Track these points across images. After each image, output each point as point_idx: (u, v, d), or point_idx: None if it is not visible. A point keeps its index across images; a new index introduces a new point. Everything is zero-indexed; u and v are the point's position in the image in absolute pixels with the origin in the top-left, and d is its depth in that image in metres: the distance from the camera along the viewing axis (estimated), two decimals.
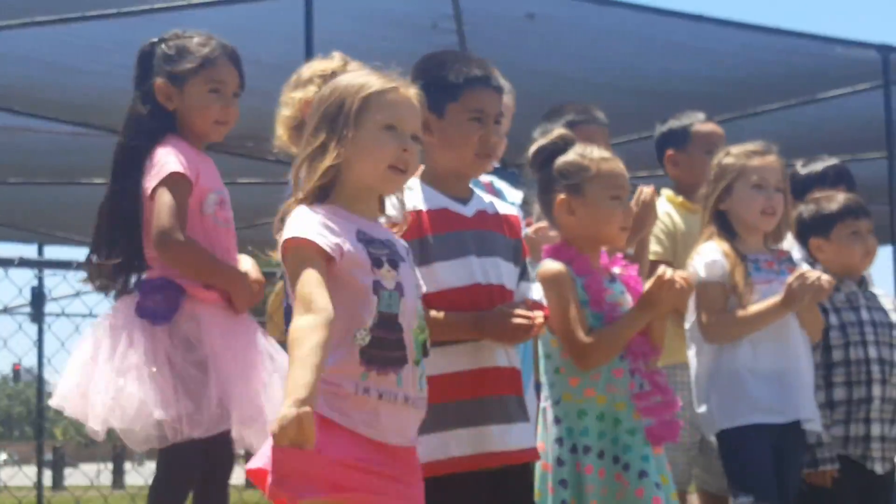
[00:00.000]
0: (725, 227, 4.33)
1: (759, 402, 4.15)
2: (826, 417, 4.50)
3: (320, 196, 2.94)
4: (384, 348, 2.87)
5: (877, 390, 4.60)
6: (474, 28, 7.43)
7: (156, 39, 3.90)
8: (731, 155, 4.38)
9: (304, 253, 2.83)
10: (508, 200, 4.26)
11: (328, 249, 2.82)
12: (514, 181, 4.48)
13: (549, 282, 3.60)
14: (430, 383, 2.98)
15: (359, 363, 2.84)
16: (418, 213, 3.25)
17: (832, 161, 5.36)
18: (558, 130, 3.84)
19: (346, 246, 2.86)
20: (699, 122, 5.10)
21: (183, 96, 3.82)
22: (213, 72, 3.83)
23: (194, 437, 3.60)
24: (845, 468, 4.56)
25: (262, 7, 7.03)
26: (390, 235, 3.01)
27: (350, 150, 2.92)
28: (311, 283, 2.79)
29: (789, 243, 4.66)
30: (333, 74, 3.76)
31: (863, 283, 4.78)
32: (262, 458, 2.74)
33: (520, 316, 3.22)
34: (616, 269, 3.74)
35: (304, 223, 2.86)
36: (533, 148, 3.80)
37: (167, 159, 3.71)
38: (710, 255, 4.24)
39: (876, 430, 4.58)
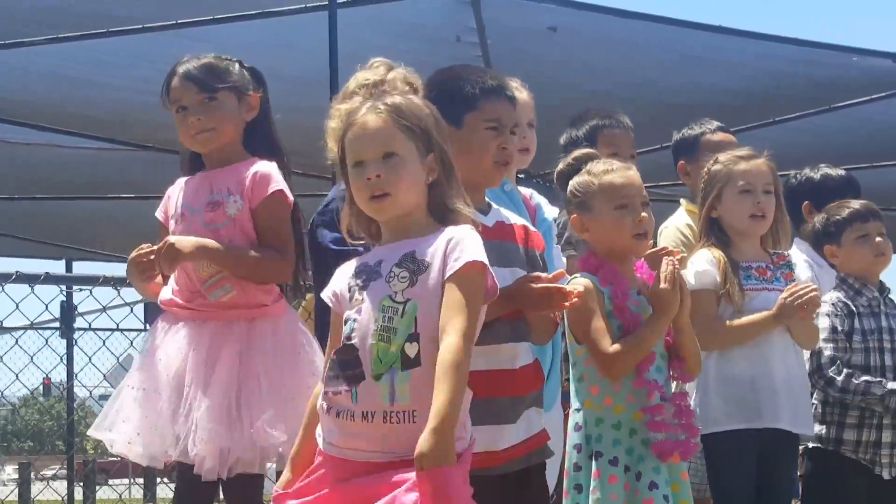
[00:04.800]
0: (719, 234, 4.38)
1: (731, 408, 4.19)
2: (839, 416, 4.59)
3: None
4: (340, 368, 2.98)
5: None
6: (497, 41, 7.48)
7: None
8: (719, 162, 4.42)
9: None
10: (546, 215, 4.32)
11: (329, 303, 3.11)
12: (552, 196, 4.53)
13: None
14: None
15: (324, 389, 3.02)
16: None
17: (834, 171, 5.43)
18: (577, 152, 3.90)
19: (340, 291, 3.08)
20: (710, 131, 5.14)
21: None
22: (171, 94, 4.00)
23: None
24: (855, 472, 4.62)
25: (286, 22, 7.10)
26: (394, 252, 3.05)
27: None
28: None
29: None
30: (378, 84, 3.83)
31: (884, 289, 4.84)
32: None
33: (541, 281, 3.25)
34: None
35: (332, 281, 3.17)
36: (555, 173, 3.90)
37: (273, 177, 3.95)
38: (700, 264, 4.28)
39: (887, 436, 4.64)
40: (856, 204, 4.88)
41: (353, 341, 2.97)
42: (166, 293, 3.90)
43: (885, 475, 4.64)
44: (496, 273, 3.29)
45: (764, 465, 4.23)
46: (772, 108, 8.81)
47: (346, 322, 3.01)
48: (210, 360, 3.77)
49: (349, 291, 3.04)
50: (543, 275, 3.30)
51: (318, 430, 3.06)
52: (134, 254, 3.91)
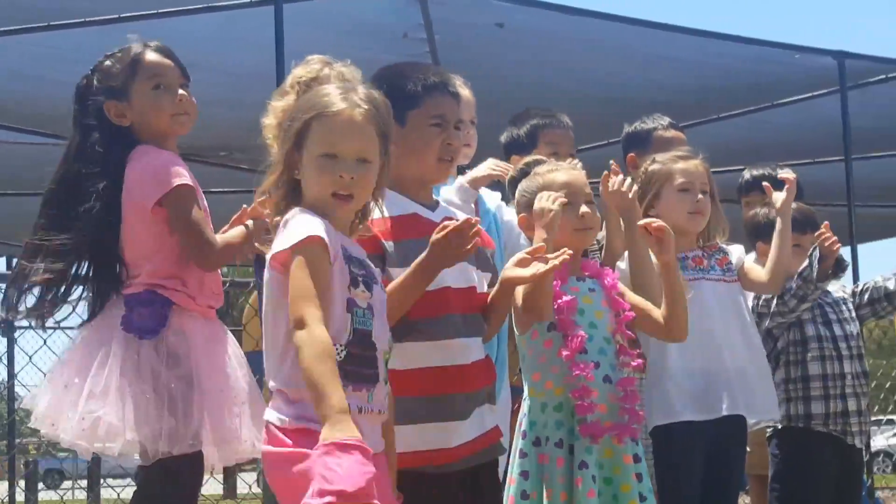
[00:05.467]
0: None
1: (685, 401, 4.26)
2: (803, 390, 4.68)
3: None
4: (359, 364, 2.92)
5: (847, 366, 4.80)
6: (445, 37, 7.48)
7: (88, 72, 3.92)
8: (657, 161, 4.51)
9: (314, 249, 2.87)
10: (488, 206, 4.35)
11: (331, 253, 2.88)
12: (497, 189, 4.55)
13: None
14: (401, 377, 3.10)
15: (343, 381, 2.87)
16: (389, 218, 3.30)
17: (765, 170, 5.52)
18: (527, 158, 3.99)
19: (335, 260, 2.91)
20: (662, 127, 5.20)
21: (132, 106, 3.84)
22: (148, 69, 3.84)
23: (174, 453, 3.62)
24: (826, 444, 4.72)
25: (232, 16, 7.04)
26: (364, 255, 3.06)
27: (302, 171, 2.99)
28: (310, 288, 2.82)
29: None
30: (311, 81, 3.83)
31: None
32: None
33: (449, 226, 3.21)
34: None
35: (312, 224, 2.90)
36: (507, 180, 3.95)
37: (170, 170, 3.73)
38: None
39: (852, 404, 4.78)
40: (797, 212, 4.95)
41: (373, 338, 2.96)
42: (189, 297, 3.79)
43: (857, 443, 4.78)
44: (447, 269, 3.33)
45: (715, 456, 4.28)
46: (717, 104, 8.90)
47: (351, 310, 2.92)
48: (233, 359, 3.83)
49: (350, 273, 2.94)
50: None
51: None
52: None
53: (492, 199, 4.39)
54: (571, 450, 3.60)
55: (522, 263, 3.38)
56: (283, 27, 6.42)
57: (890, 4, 79.29)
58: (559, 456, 3.58)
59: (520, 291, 3.57)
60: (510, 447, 3.76)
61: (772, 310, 4.81)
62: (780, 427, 4.81)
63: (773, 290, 4.70)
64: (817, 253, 4.67)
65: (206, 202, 3.89)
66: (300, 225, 2.89)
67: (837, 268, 4.66)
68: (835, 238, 4.59)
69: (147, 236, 3.76)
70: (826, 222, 4.62)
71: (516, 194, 3.86)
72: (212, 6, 6.96)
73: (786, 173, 4.72)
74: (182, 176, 3.74)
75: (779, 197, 4.65)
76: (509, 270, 3.40)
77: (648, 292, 3.96)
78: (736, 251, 4.59)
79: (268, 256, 2.95)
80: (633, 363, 3.76)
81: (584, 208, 3.72)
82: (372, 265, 3.05)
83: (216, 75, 7.03)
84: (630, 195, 4.09)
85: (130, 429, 3.59)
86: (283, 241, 2.90)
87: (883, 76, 8.82)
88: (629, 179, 4.12)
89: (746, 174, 5.59)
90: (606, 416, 3.62)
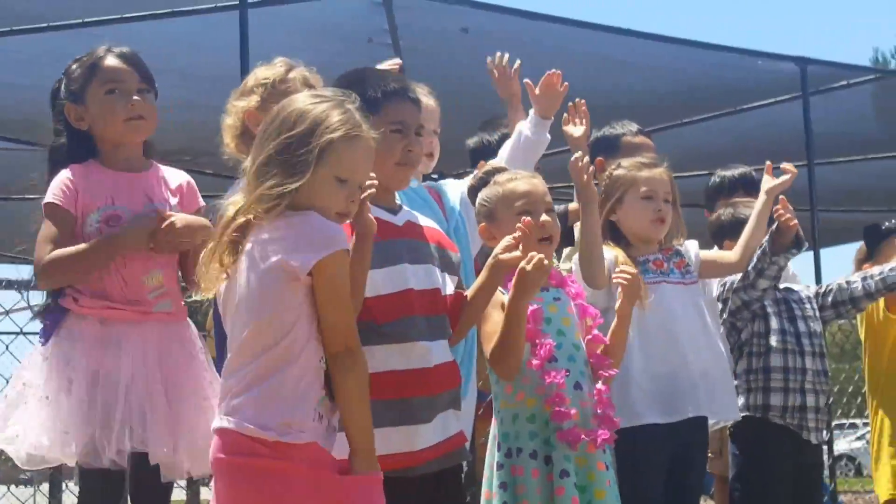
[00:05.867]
0: (616, 236, 4.48)
1: (648, 404, 4.30)
2: (763, 381, 4.73)
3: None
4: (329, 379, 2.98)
5: (809, 362, 4.85)
6: (410, 42, 7.48)
7: (61, 75, 3.92)
8: (622, 167, 4.55)
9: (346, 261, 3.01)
10: (452, 201, 4.39)
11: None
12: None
13: None
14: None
15: (322, 388, 2.95)
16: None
17: (745, 169, 5.58)
18: (486, 167, 4.03)
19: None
20: (631, 133, 5.26)
21: (88, 110, 3.83)
22: (104, 74, 3.83)
23: (85, 460, 3.61)
24: (782, 437, 4.76)
25: (197, 21, 7.02)
26: None
27: (305, 187, 2.97)
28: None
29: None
30: (276, 83, 3.83)
31: None
32: None
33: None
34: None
35: (338, 233, 3.00)
36: (466, 189, 3.96)
37: (48, 190, 3.74)
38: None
39: (811, 400, 4.82)
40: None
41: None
42: (73, 300, 3.75)
43: (813, 439, 4.81)
44: (409, 270, 3.37)
45: (678, 459, 4.31)
46: (682, 109, 8.95)
47: None
48: (162, 362, 3.74)
49: None
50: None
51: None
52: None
53: (455, 192, 4.43)
54: (546, 460, 3.61)
55: (509, 248, 3.42)
56: (249, 32, 6.41)
57: (851, 11, 80.00)
58: (534, 467, 3.60)
59: (489, 342, 3.59)
60: (475, 452, 3.77)
61: (735, 285, 4.84)
62: (739, 419, 4.86)
63: (743, 270, 4.75)
64: (774, 226, 4.70)
65: (124, 208, 3.80)
66: (326, 230, 2.94)
67: (796, 244, 4.67)
68: (791, 212, 4.60)
69: None
70: (783, 197, 4.63)
71: (476, 203, 3.86)
72: (177, 11, 6.94)
73: (787, 166, 4.77)
74: (54, 195, 3.72)
75: (772, 180, 4.68)
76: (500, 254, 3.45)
77: (595, 266, 4.13)
78: (692, 247, 4.63)
79: (274, 257, 2.92)
80: (608, 373, 3.78)
81: (544, 217, 3.74)
82: None
83: (182, 79, 7.00)
84: (585, 177, 4.11)
85: (41, 435, 3.62)
86: (309, 246, 2.92)
87: (845, 82, 8.92)
88: (587, 158, 4.16)
89: (728, 174, 5.62)
90: (578, 424, 3.63)
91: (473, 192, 3.91)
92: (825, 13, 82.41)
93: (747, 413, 4.81)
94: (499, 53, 4.79)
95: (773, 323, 4.91)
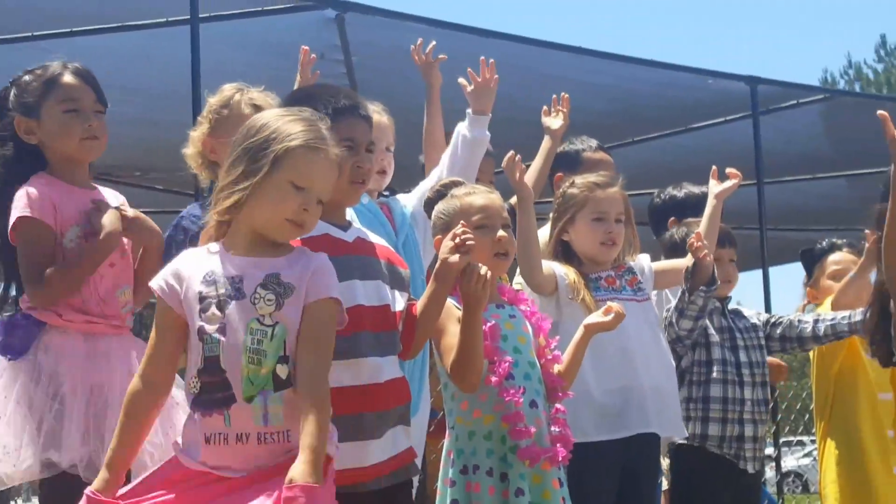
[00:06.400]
0: (568, 254, 4.50)
1: (599, 420, 4.29)
2: (703, 411, 4.74)
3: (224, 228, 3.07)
4: (209, 392, 2.96)
5: (748, 392, 4.86)
6: (362, 59, 7.49)
7: (7, 84, 3.88)
8: (576, 186, 4.54)
9: (157, 300, 3.05)
10: (403, 209, 4.38)
11: (168, 303, 3.01)
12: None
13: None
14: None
15: (193, 410, 2.98)
16: (301, 239, 3.27)
17: (697, 189, 5.62)
18: (444, 179, 4.02)
19: (185, 293, 2.99)
20: (590, 149, 5.30)
21: (42, 125, 3.80)
22: (62, 91, 3.80)
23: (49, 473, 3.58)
24: (719, 467, 4.78)
25: (147, 35, 6.99)
26: (255, 270, 3.02)
27: (255, 192, 3.00)
28: (150, 339, 3.04)
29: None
30: (224, 107, 3.83)
31: (724, 301, 5.06)
32: None
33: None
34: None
35: (164, 269, 3.07)
36: (423, 202, 3.96)
37: (16, 203, 3.69)
38: (554, 268, 4.40)
39: (749, 430, 4.84)
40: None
41: (220, 363, 2.95)
42: (58, 315, 3.73)
43: (750, 469, 4.83)
44: (359, 286, 3.37)
45: (629, 474, 4.32)
46: (631, 127, 9.01)
47: (202, 338, 2.97)
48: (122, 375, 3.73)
49: (200, 300, 2.98)
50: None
51: (180, 442, 3.03)
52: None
53: (405, 204, 4.43)
54: (502, 477, 3.59)
55: (453, 251, 3.43)
56: (200, 47, 6.39)
57: (801, 32, 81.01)
58: (490, 485, 3.58)
59: (448, 355, 3.58)
60: (425, 469, 3.76)
61: (666, 319, 4.85)
62: (677, 445, 4.87)
63: None
64: (691, 263, 4.68)
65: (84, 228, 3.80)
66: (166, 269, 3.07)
67: (710, 282, 4.65)
68: (707, 246, 4.58)
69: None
70: (698, 231, 4.63)
71: (433, 216, 3.87)
72: (127, 25, 6.91)
73: (732, 171, 4.81)
74: (23, 209, 3.69)
75: (718, 184, 4.70)
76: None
77: (533, 264, 4.18)
78: (644, 260, 4.63)
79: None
80: (564, 394, 3.79)
81: (500, 232, 3.73)
82: (252, 278, 3.01)
83: (132, 94, 6.96)
84: (518, 174, 4.13)
85: (9, 452, 3.57)
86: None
87: (794, 101, 9.02)
88: (519, 156, 4.16)
89: (678, 194, 5.65)
90: (535, 441, 3.62)
91: (430, 204, 3.89)
92: (776, 33, 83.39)
93: (685, 442, 4.83)
94: (420, 40, 4.93)
95: (715, 353, 4.91)
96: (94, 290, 3.77)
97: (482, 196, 3.80)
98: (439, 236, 3.77)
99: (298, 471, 2.78)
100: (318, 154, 3.06)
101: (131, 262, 3.94)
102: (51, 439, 3.59)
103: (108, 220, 3.77)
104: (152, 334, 3.04)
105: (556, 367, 3.84)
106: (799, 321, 5.12)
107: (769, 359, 5.13)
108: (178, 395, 3.48)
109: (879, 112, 3.83)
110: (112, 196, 3.96)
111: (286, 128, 3.06)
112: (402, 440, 3.44)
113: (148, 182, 8.83)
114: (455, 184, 3.90)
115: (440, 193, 3.88)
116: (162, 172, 8.31)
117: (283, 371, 2.97)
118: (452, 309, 3.62)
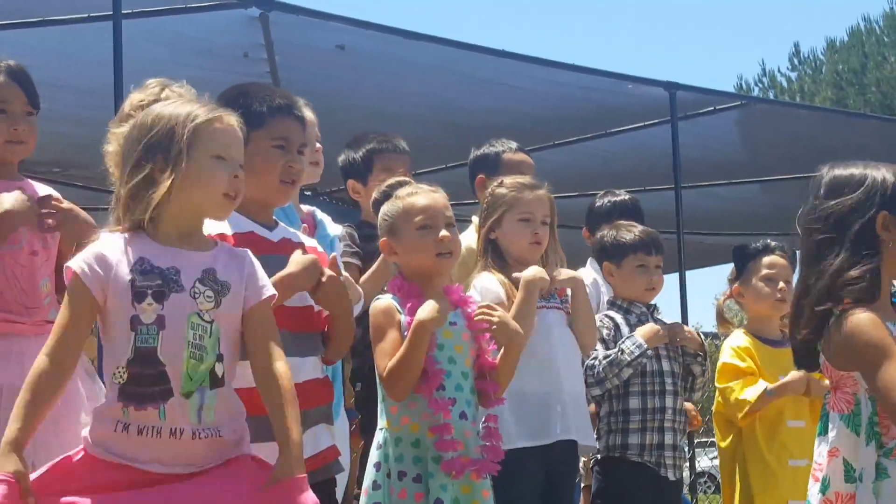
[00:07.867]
0: (496, 255, 4.53)
1: (521, 426, 4.32)
2: (622, 423, 4.82)
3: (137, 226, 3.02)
4: (141, 384, 2.91)
5: (669, 401, 4.94)
6: (286, 58, 7.48)
7: None
8: (504, 186, 4.58)
9: (73, 283, 2.96)
10: (328, 231, 4.38)
11: (89, 286, 2.93)
12: (337, 214, 4.61)
13: (373, 317, 3.71)
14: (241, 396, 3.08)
15: (117, 401, 2.92)
16: (225, 236, 3.29)
17: (627, 195, 5.70)
18: (390, 179, 3.98)
19: (113, 279, 2.93)
20: (510, 150, 5.33)
21: None
22: None
23: None
24: (641, 474, 4.85)
25: (70, 31, 6.92)
26: (190, 263, 3.01)
27: (182, 180, 2.98)
28: (60, 319, 2.97)
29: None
30: (150, 104, 3.80)
31: (651, 307, 5.12)
32: None
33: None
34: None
35: (85, 252, 2.99)
36: (371, 202, 3.96)
37: None
38: (486, 283, 4.40)
39: (669, 438, 4.90)
40: (643, 233, 5.10)
41: (158, 356, 2.92)
42: None
43: (671, 476, 4.91)
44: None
45: (550, 479, 4.37)
46: (551, 131, 9.08)
47: (135, 328, 2.93)
48: None
49: (132, 287, 2.94)
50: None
51: (86, 434, 2.98)
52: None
53: (333, 228, 4.43)
54: (430, 485, 3.59)
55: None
56: (123, 43, 6.34)
57: (717, 39, 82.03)
58: (417, 491, 3.58)
59: (384, 359, 3.59)
60: (352, 472, 3.76)
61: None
62: (599, 457, 4.94)
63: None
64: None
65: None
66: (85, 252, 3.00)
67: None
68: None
69: None
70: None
71: (378, 217, 3.85)
72: (49, 19, 6.83)
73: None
74: None
75: (527, 273, 4.40)
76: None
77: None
78: (586, 275, 4.69)
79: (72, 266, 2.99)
80: (495, 404, 3.78)
81: (443, 232, 3.71)
82: (188, 271, 3.00)
83: (54, 91, 6.87)
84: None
85: None
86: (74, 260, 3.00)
87: (711, 108, 9.16)
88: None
89: (616, 200, 5.69)
90: (463, 453, 3.61)
91: (377, 205, 3.88)
92: (693, 40, 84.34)
93: (607, 454, 4.90)
94: None
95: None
96: (14, 281, 3.72)
97: (425, 196, 3.77)
98: (385, 238, 3.78)
99: (288, 465, 2.89)
100: (223, 122, 3.07)
101: (54, 253, 3.89)
102: None
103: (9, 199, 3.68)
104: (63, 314, 2.96)
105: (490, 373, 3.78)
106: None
107: (687, 405, 5.19)
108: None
109: None
110: (43, 190, 3.92)
111: (181, 111, 3.05)
112: (324, 438, 3.45)
113: (67, 178, 8.72)
114: (401, 184, 3.88)
115: (385, 194, 3.85)
116: (83, 169, 8.23)
117: (219, 369, 2.98)
118: (394, 312, 3.64)
